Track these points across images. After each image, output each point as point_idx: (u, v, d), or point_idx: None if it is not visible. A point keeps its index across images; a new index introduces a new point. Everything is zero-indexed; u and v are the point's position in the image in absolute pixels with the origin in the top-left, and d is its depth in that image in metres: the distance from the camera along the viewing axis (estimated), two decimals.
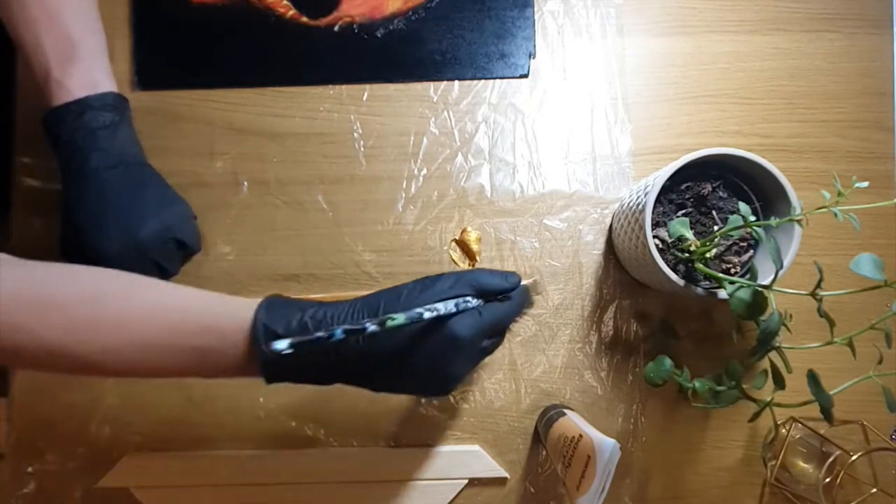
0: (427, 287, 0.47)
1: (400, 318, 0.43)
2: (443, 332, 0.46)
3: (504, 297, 0.50)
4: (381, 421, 0.63)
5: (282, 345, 0.40)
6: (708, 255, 0.52)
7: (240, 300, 0.48)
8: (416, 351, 0.46)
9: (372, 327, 0.43)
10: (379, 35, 0.65)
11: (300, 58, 0.65)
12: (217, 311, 0.47)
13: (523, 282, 0.54)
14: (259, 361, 0.45)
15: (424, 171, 0.65)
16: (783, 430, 0.60)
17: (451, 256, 0.64)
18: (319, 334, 0.42)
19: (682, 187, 0.56)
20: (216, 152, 0.65)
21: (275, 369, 0.46)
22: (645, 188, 0.54)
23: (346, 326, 0.42)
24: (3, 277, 0.45)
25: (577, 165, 0.65)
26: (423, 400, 0.63)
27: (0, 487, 0.62)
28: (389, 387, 0.49)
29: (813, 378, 0.49)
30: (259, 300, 0.47)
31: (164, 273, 0.60)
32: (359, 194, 0.65)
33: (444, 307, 0.46)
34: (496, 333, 0.50)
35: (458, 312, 0.46)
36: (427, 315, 0.45)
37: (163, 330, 0.46)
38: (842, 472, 0.56)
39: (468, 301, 0.47)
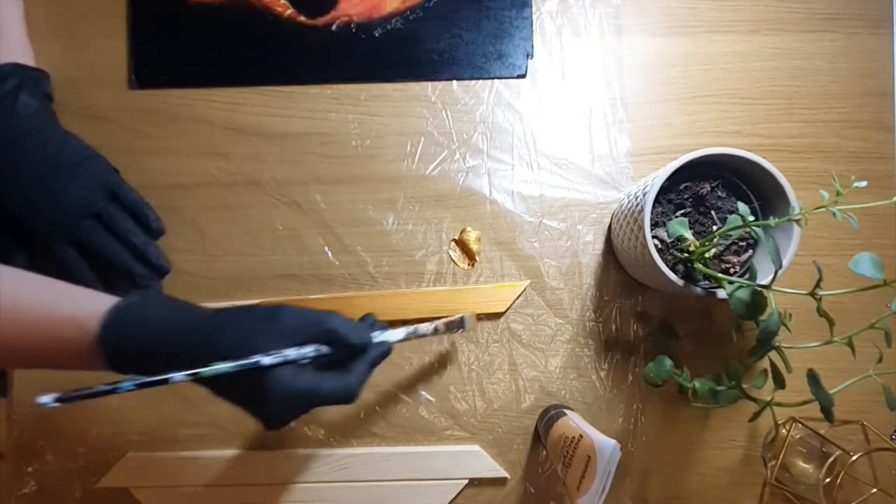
0: (273, 324, 0.44)
1: (222, 368, 0.41)
2: (258, 384, 0.43)
3: (350, 355, 0.47)
4: (380, 421, 0.63)
5: (46, 399, 0.39)
6: (707, 254, 0.52)
7: (88, 301, 0.45)
8: (233, 391, 0.44)
9: (178, 377, 0.41)
10: (377, 35, 0.65)
11: (298, 57, 0.65)
12: (61, 316, 0.44)
13: (442, 321, 0.53)
14: (105, 362, 0.44)
15: (423, 171, 0.65)
16: (783, 430, 0.59)
17: (450, 256, 0.64)
18: (100, 388, 0.40)
19: (681, 187, 0.56)
20: (214, 152, 0.65)
21: (122, 368, 0.44)
22: (644, 188, 0.54)
23: (140, 380, 0.41)
24: None
25: (576, 166, 0.65)
26: (421, 400, 0.63)
27: (0, 487, 0.62)
28: (226, 399, 0.46)
29: (813, 377, 0.49)
30: (108, 303, 0.45)
31: (118, 231, 0.59)
32: (358, 194, 0.65)
33: (276, 356, 0.43)
34: (322, 404, 0.46)
35: (289, 362, 0.43)
36: (266, 361, 0.42)
37: (17, 329, 0.44)
38: (842, 473, 0.56)
39: (313, 350, 0.44)
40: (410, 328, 0.54)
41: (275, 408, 0.44)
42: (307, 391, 0.44)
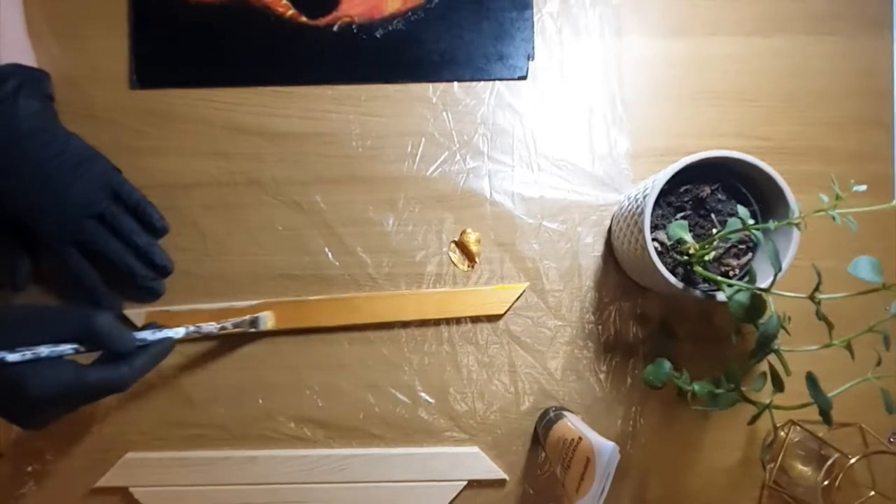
0: (30, 321, 0.44)
1: None
2: (11, 380, 0.42)
3: (118, 357, 0.47)
4: (380, 422, 0.63)
5: None
6: (707, 257, 0.52)
7: None
8: None
9: None
10: (378, 35, 0.65)
11: (299, 57, 0.65)
12: None
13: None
14: None
15: (424, 172, 0.65)
16: (782, 433, 0.60)
17: (450, 258, 0.64)
18: None
19: (681, 190, 0.56)
20: (214, 152, 0.65)
21: None
22: (644, 191, 0.54)
23: None
24: None
25: (576, 167, 0.65)
26: (422, 401, 0.63)
27: (0, 487, 0.62)
28: None
29: (812, 380, 0.49)
30: None
31: (121, 231, 0.60)
32: (358, 195, 0.65)
33: (24, 353, 0.42)
34: (92, 396, 0.47)
35: (42, 359, 0.43)
36: (10, 358, 0.41)
37: None
38: (840, 475, 0.56)
39: (70, 348, 0.44)
40: (192, 326, 0.57)
41: (34, 403, 0.43)
42: (66, 383, 0.44)
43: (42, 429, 0.48)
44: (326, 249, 0.64)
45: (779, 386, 0.51)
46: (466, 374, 0.63)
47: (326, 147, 0.65)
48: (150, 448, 0.63)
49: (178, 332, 0.55)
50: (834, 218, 0.47)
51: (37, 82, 0.60)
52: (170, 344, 0.53)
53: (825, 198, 0.48)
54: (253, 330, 0.61)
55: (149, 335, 0.52)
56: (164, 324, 0.58)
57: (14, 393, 0.43)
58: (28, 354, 0.43)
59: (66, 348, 0.45)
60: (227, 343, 0.63)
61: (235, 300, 0.63)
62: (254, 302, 0.63)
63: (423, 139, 0.65)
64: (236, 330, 0.60)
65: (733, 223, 0.51)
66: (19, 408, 0.44)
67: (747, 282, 0.50)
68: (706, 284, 0.54)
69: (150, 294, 0.62)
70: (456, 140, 0.65)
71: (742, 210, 0.51)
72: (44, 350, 0.43)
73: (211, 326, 0.58)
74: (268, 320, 0.61)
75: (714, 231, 0.55)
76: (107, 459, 0.62)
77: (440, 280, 0.64)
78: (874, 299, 0.46)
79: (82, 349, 0.46)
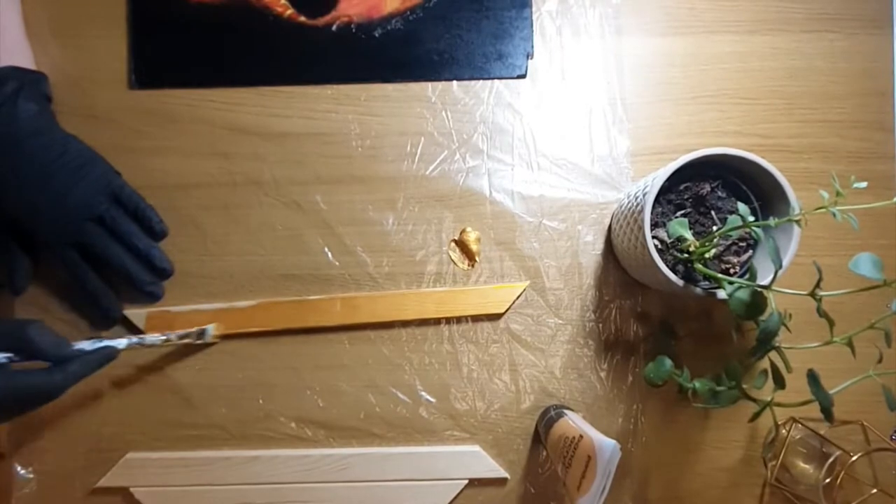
0: None
1: None
2: None
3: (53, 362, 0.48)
4: (380, 421, 0.63)
5: None
6: (707, 255, 0.52)
7: None
8: None
9: None
10: (377, 35, 0.65)
11: (298, 57, 0.65)
12: None
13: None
14: None
15: (423, 172, 0.65)
16: (783, 431, 0.60)
17: (450, 257, 0.64)
18: None
19: (681, 188, 0.56)
20: (214, 152, 0.65)
21: None
22: (644, 189, 0.54)
23: None
24: None
25: (576, 166, 0.65)
26: (422, 400, 0.63)
27: (0, 487, 0.62)
28: None
29: (813, 378, 0.49)
30: None
31: (121, 234, 0.60)
32: (357, 194, 0.65)
33: None
34: (23, 401, 0.48)
35: None
36: None
37: None
38: (842, 473, 0.56)
39: (4, 357, 0.45)
40: (135, 337, 0.58)
41: None
42: (21, 391, 0.45)
43: None
44: (326, 249, 0.64)
45: (780, 383, 0.51)
46: (467, 373, 0.63)
47: (326, 147, 0.65)
48: (150, 448, 0.62)
49: (121, 343, 0.56)
50: (834, 215, 0.47)
51: (35, 84, 0.60)
52: (111, 353, 0.54)
53: (826, 195, 0.48)
54: (200, 342, 0.61)
55: (87, 345, 0.53)
56: (165, 325, 0.59)
57: None
58: None
59: (0, 357, 0.46)
60: (227, 344, 0.63)
61: (235, 300, 0.63)
62: (254, 302, 0.63)
63: (423, 138, 0.65)
64: (181, 341, 0.60)
65: (734, 220, 0.51)
66: None
67: (748, 279, 0.50)
68: (707, 282, 0.54)
69: (149, 297, 0.62)
70: (455, 139, 0.65)
71: (742, 207, 0.51)
72: None
73: (154, 338, 0.59)
74: (213, 331, 0.62)
75: (714, 228, 0.55)
76: (107, 460, 0.62)
77: (440, 279, 0.64)
78: (875, 296, 0.46)
79: (17, 358, 0.47)
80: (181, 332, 0.60)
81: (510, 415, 0.63)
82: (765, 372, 0.53)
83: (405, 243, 0.64)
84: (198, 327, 0.61)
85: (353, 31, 0.65)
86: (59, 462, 0.62)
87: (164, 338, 0.59)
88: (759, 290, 0.48)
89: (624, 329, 0.64)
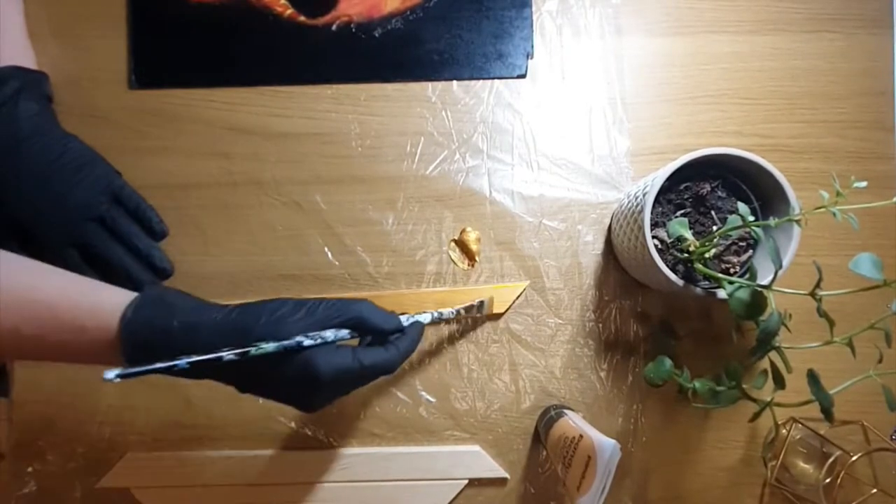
0: (304, 311, 0.46)
1: (269, 347, 0.43)
2: (305, 363, 0.45)
3: (384, 340, 0.50)
4: (380, 421, 0.63)
5: (110, 375, 0.39)
6: (707, 255, 0.52)
7: (111, 294, 0.46)
8: (279, 374, 0.45)
9: (229, 356, 0.42)
10: (377, 35, 0.65)
11: (298, 57, 0.65)
12: (84, 308, 0.45)
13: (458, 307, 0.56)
14: (125, 361, 0.44)
15: (423, 172, 0.65)
16: (783, 431, 0.60)
17: (450, 257, 0.64)
18: (159, 365, 0.41)
19: (681, 187, 0.56)
20: (214, 152, 0.65)
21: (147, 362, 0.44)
22: (644, 188, 0.54)
23: (195, 358, 0.42)
24: None
25: (576, 166, 0.65)
26: (423, 401, 0.63)
27: (0, 487, 0.62)
28: (256, 392, 0.48)
29: (813, 378, 0.49)
30: (131, 297, 0.46)
31: (121, 234, 0.60)
32: (357, 194, 0.65)
33: (315, 338, 0.45)
34: (366, 378, 0.49)
35: (328, 343, 0.46)
36: (307, 342, 0.44)
37: (31, 321, 0.45)
38: (842, 473, 0.56)
39: (348, 333, 0.47)
40: (435, 312, 0.58)
41: (324, 386, 0.46)
42: (351, 365, 0.46)
43: (319, 410, 0.50)
44: (326, 249, 0.64)
45: (780, 383, 0.51)
46: (467, 373, 0.63)
47: (326, 147, 0.65)
48: (150, 448, 0.62)
49: (425, 318, 0.56)
50: (835, 215, 0.47)
51: (36, 84, 0.60)
52: (421, 328, 0.54)
53: (826, 195, 0.48)
54: (479, 315, 0.63)
55: (404, 319, 0.53)
56: None
57: (306, 374, 0.45)
58: (318, 339, 0.45)
59: (345, 333, 0.47)
60: None
61: (235, 300, 0.63)
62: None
63: (423, 138, 0.65)
64: (468, 315, 0.62)
65: (734, 220, 0.51)
66: (308, 389, 0.46)
67: (748, 279, 0.50)
68: (707, 282, 0.54)
69: None
70: (455, 139, 0.65)
71: (742, 207, 0.50)
72: (329, 335, 0.46)
73: (448, 312, 0.59)
74: (488, 304, 0.62)
75: (714, 228, 0.55)
76: (107, 460, 0.62)
77: (440, 279, 0.64)
78: (875, 296, 0.46)
79: (355, 335, 0.49)
80: (465, 305, 0.61)
81: (510, 415, 0.63)
82: (765, 372, 0.53)
83: (405, 243, 0.64)
84: (478, 299, 0.62)
85: (353, 30, 0.65)
86: (59, 462, 0.62)
87: (454, 311, 0.60)
88: (759, 290, 0.48)
89: (624, 329, 0.64)
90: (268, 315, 0.46)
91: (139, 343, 0.44)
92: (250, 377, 0.46)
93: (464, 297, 0.63)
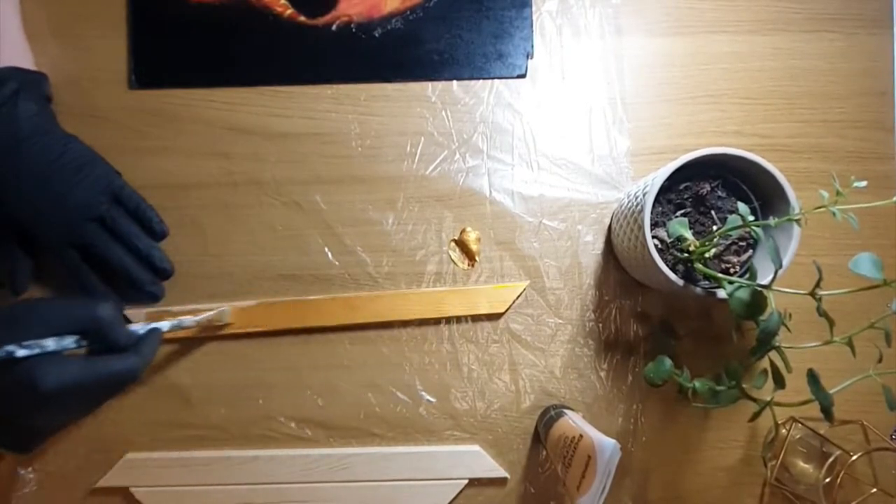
0: (20, 318, 0.42)
1: None
2: (22, 375, 0.40)
3: (118, 348, 0.46)
4: (380, 421, 0.63)
5: None
6: (707, 254, 0.52)
7: None
8: (4, 395, 0.41)
9: None
10: (377, 35, 0.65)
11: (298, 57, 0.65)
12: None
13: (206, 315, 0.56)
14: None
15: (423, 172, 0.65)
16: (783, 430, 0.60)
17: (450, 257, 0.64)
18: None
19: (681, 187, 0.56)
20: (214, 152, 0.65)
21: None
22: (644, 188, 0.54)
23: None
24: None
25: (576, 166, 0.65)
26: (423, 399, 0.63)
27: (0, 487, 0.62)
28: None
29: (813, 377, 0.49)
30: None
31: (121, 235, 0.60)
32: (357, 194, 0.65)
33: (31, 347, 0.41)
34: (106, 389, 0.45)
35: (50, 353, 0.42)
36: (20, 353, 0.40)
37: None
38: (842, 472, 0.56)
39: (74, 341, 0.43)
40: (175, 320, 0.57)
41: (49, 400, 0.41)
42: (76, 376, 0.42)
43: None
44: (326, 249, 0.64)
45: (780, 383, 0.51)
46: (467, 373, 0.63)
47: (326, 147, 0.65)
48: (150, 448, 0.62)
49: (164, 325, 0.55)
50: (834, 214, 0.47)
51: (35, 84, 0.60)
52: (160, 334, 0.53)
53: (826, 194, 0.48)
54: (220, 323, 0.62)
55: (139, 328, 0.51)
56: None
57: (25, 390, 0.41)
58: (35, 349, 0.41)
59: (70, 341, 0.43)
60: (227, 344, 0.63)
61: (235, 300, 0.63)
62: (253, 302, 0.63)
63: (423, 138, 0.65)
64: (211, 324, 0.61)
65: (734, 220, 0.51)
66: (30, 405, 0.42)
67: (748, 279, 0.50)
68: (706, 281, 0.54)
69: (150, 297, 0.62)
70: (455, 139, 0.65)
71: (742, 207, 0.51)
72: (50, 343, 0.42)
73: (189, 320, 0.59)
74: (229, 311, 0.62)
75: (714, 228, 0.55)
76: (107, 460, 0.62)
77: (440, 279, 0.64)
78: (875, 296, 0.46)
79: (84, 342, 0.45)
80: (207, 314, 0.60)
81: (510, 415, 0.63)
82: (765, 372, 0.53)
83: (405, 243, 0.64)
84: (218, 307, 0.61)
85: (353, 30, 0.65)
86: (59, 462, 0.62)
87: (197, 320, 0.59)
88: (759, 289, 0.48)
89: (624, 329, 0.64)
90: None
91: None
92: None
93: (464, 297, 0.63)
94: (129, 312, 0.62)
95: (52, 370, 0.41)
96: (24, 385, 0.41)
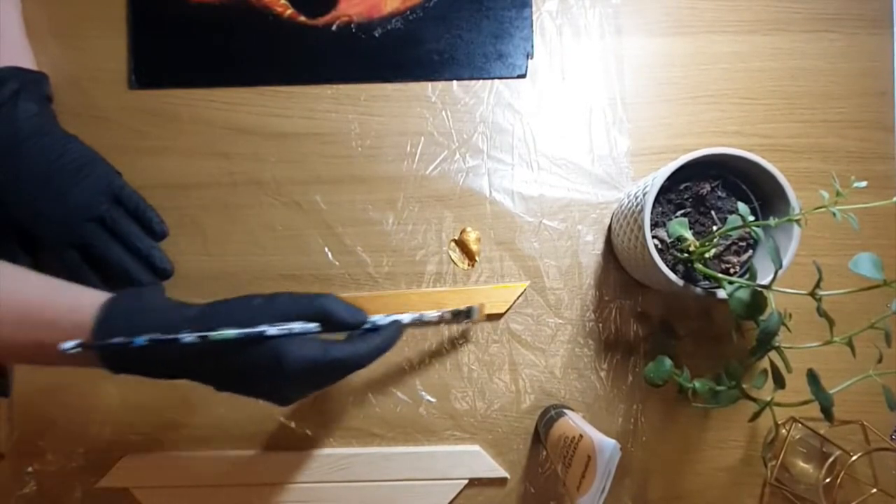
0: (268, 306, 0.47)
1: (230, 333, 0.44)
2: (271, 352, 0.45)
3: (353, 335, 0.49)
4: (380, 421, 0.63)
5: (69, 345, 0.40)
6: (707, 254, 0.52)
7: (86, 295, 0.47)
8: (247, 365, 0.45)
9: (189, 338, 0.43)
10: (377, 35, 0.65)
11: (298, 57, 0.65)
12: (59, 307, 0.46)
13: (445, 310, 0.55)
14: (98, 357, 0.45)
15: (423, 171, 0.65)
16: (783, 430, 0.59)
17: (450, 257, 0.64)
18: (116, 340, 0.42)
19: (681, 187, 0.56)
20: (214, 152, 0.65)
21: (118, 362, 0.46)
22: (644, 188, 0.54)
23: (153, 336, 0.43)
24: None
25: (576, 166, 0.65)
26: (422, 400, 0.63)
27: (0, 487, 0.62)
28: (232, 388, 0.48)
29: (813, 377, 0.49)
30: (106, 297, 0.46)
31: (121, 235, 0.60)
32: (357, 194, 0.65)
33: (280, 327, 0.45)
34: (336, 371, 0.49)
35: (296, 335, 0.46)
36: (271, 331, 0.44)
37: (5, 324, 0.45)
38: (842, 472, 0.56)
39: (315, 326, 0.47)
40: (417, 314, 0.55)
41: (293, 376, 0.46)
42: (318, 357, 0.46)
43: (290, 404, 0.50)
44: (326, 249, 0.64)
45: (780, 383, 0.51)
46: (467, 373, 0.63)
47: (326, 147, 0.65)
48: (150, 448, 0.62)
49: (406, 318, 0.54)
50: (835, 214, 0.47)
51: (35, 84, 0.60)
52: (400, 326, 0.53)
53: (826, 195, 0.48)
54: (467, 321, 0.59)
55: (380, 319, 0.52)
56: None
57: (272, 365, 0.45)
58: (284, 329, 0.45)
59: (313, 326, 0.47)
60: None
61: None
62: None
63: (423, 138, 0.65)
64: (454, 319, 0.58)
65: (734, 220, 0.51)
66: (277, 379, 0.46)
67: (748, 279, 0.50)
68: (706, 282, 0.54)
69: None
70: (455, 139, 0.65)
71: (742, 207, 0.51)
72: (296, 326, 0.46)
73: (432, 315, 0.56)
74: (478, 311, 0.59)
75: (714, 228, 0.55)
76: (107, 460, 0.62)
77: (440, 279, 0.64)
78: (875, 296, 0.46)
79: (321, 329, 0.48)
80: (453, 309, 0.58)
81: (510, 415, 0.63)
82: (765, 372, 0.53)
83: (405, 243, 0.64)
84: (466, 305, 0.58)
85: (353, 30, 0.65)
86: (59, 462, 0.62)
87: (439, 315, 0.57)
88: (759, 289, 0.48)
89: (624, 329, 0.64)
90: (234, 314, 0.46)
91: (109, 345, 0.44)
92: (221, 371, 0.46)
93: (464, 297, 0.63)
94: None
95: (295, 350, 0.45)
96: (270, 361, 0.45)
